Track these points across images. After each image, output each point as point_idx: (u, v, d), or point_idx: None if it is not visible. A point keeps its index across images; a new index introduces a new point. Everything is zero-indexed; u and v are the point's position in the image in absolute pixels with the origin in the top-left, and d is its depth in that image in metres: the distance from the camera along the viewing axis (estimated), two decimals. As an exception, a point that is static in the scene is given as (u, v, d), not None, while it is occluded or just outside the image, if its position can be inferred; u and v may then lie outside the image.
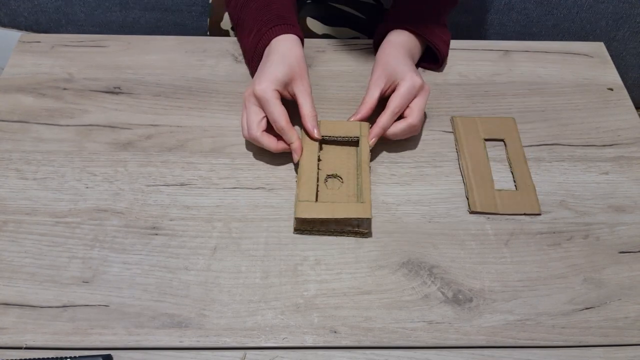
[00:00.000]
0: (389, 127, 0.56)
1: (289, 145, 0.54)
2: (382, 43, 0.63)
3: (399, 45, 0.61)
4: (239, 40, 0.67)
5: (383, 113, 0.56)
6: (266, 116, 0.55)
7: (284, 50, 0.56)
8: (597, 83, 0.67)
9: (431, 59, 0.67)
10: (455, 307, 0.48)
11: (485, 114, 0.63)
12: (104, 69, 0.66)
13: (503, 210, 0.54)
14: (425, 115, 0.61)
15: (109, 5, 1.14)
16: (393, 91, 0.57)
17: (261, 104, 0.54)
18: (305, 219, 0.50)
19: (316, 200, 0.52)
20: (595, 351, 0.46)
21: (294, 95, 0.56)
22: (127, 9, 1.15)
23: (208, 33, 0.84)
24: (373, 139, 0.56)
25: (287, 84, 0.55)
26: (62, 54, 0.67)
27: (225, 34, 0.80)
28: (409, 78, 0.56)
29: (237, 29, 0.67)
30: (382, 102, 0.57)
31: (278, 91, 0.54)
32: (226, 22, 0.80)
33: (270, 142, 0.54)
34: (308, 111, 0.55)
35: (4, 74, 0.65)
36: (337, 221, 0.51)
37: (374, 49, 0.67)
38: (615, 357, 0.45)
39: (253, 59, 0.61)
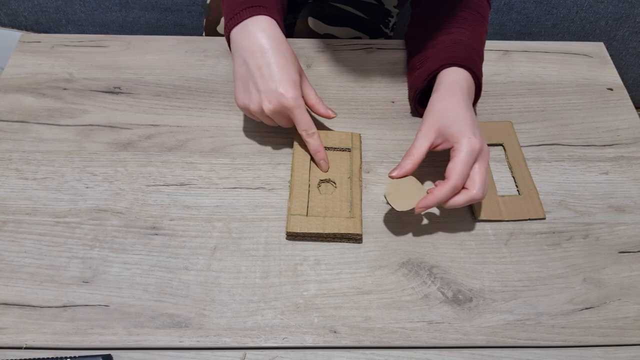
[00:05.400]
0: (446, 202, 0.48)
1: (314, 154, 0.54)
2: (437, 84, 0.55)
3: (458, 89, 0.53)
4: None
5: (442, 185, 0.48)
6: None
7: (270, 38, 0.51)
8: (597, 83, 0.67)
9: None
10: (455, 307, 0.48)
11: (485, 114, 0.63)
12: (104, 69, 0.66)
13: (508, 217, 0.53)
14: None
15: (109, 5, 1.14)
16: (443, 149, 0.51)
17: (292, 112, 0.51)
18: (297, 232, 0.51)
19: (308, 207, 0.52)
20: (595, 351, 0.46)
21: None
22: (127, 9, 1.15)
23: (204, 33, 0.83)
24: (421, 209, 0.48)
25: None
26: (62, 54, 0.67)
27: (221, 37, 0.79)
28: (467, 142, 0.48)
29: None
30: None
31: None
32: (222, 26, 0.79)
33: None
34: (316, 99, 0.54)
35: (4, 74, 0.65)
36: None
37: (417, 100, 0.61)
38: (615, 357, 0.45)
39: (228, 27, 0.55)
